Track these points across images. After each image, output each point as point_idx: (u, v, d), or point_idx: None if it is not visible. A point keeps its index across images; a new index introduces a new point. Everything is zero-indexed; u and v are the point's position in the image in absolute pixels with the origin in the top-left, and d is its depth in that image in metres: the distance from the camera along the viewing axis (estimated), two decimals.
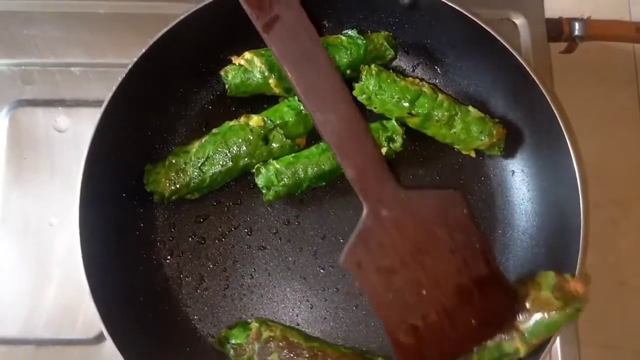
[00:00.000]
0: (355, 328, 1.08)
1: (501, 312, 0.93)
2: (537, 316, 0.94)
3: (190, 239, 1.11)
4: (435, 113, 1.09)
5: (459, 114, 1.10)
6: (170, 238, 1.11)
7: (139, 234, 1.10)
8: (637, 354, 1.22)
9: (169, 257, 1.11)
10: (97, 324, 0.96)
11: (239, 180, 1.13)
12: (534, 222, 1.12)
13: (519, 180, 1.14)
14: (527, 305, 0.95)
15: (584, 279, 0.97)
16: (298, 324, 1.09)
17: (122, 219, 1.08)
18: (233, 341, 1.04)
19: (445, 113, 1.09)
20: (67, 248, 1.12)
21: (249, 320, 1.07)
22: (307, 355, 1.02)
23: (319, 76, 0.83)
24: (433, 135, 1.13)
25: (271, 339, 1.03)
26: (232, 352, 1.04)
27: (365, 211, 0.83)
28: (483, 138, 1.09)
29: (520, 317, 0.94)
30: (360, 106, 1.12)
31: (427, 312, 0.86)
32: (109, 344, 0.95)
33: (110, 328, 0.95)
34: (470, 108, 1.11)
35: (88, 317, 1.10)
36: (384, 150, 1.09)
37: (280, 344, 1.03)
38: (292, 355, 1.02)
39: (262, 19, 0.81)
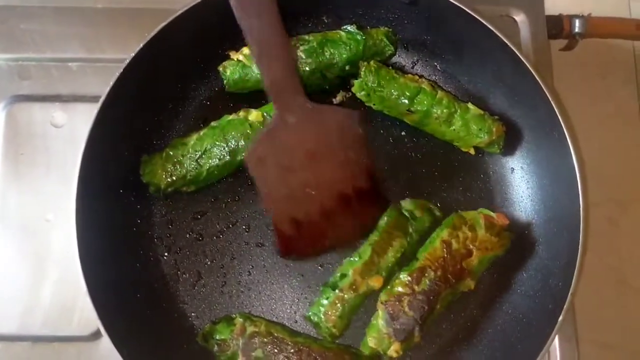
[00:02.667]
0: (353, 325, 1.07)
1: (372, 219, 1.07)
2: (482, 255, 1.04)
3: (187, 236, 1.11)
4: (435, 110, 1.09)
5: (459, 111, 1.09)
6: (168, 234, 1.11)
7: (136, 230, 1.09)
8: (636, 354, 1.21)
9: (166, 253, 1.10)
10: (93, 321, 0.95)
11: (237, 177, 1.12)
12: (533, 220, 1.11)
13: (518, 178, 1.14)
14: (471, 247, 1.03)
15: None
16: (296, 321, 1.09)
17: (119, 215, 1.08)
18: (217, 337, 1.03)
19: (445, 110, 1.09)
20: (64, 244, 1.12)
21: (233, 315, 1.06)
22: (292, 351, 1.02)
23: None
24: (432, 132, 1.13)
25: (256, 334, 1.02)
26: (216, 347, 1.03)
27: (275, 115, 0.95)
28: (482, 135, 1.09)
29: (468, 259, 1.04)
30: (359, 102, 1.12)
31: (310, 210, 1.00)
32: (105, 341, 0.94)
33: (106, 325, 0.94)
34: (470, 105, 1.10)
35: (85, 314, 1.10)
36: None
37: (265, 339, 1.02)
38: (276, 350, 1.02)
39: None
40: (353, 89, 1.11)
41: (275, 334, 1.03)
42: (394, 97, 1.09)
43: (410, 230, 1.06)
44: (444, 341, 1.09)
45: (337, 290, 1.02)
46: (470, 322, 1.10)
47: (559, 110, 1.02)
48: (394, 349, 0.99)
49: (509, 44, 1.04)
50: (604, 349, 1.20)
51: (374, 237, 1.06)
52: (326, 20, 1.17)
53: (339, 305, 1.02)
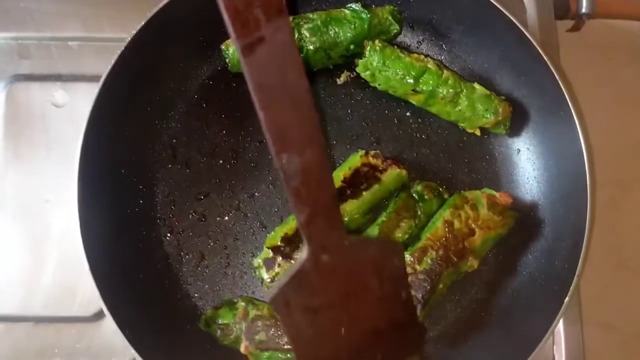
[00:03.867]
0: None
1: (407, 349, 0.94)
2: (485, 235, 1.03)
3: (190, 217, 1.10)
4: (440, 90, 1.08)
5: (465, 91, 1.08)
6: (171, 215, 1.10)
7: (139, 211, 1.08)
8: (637, 335, 1.22)
9: (169, 234, 1.09)
10: (95, 302, 0.95)
11: (240, 158, 1.12)
12: (539, 201, 1.11)
13: (524, 159, 1.13)
14: (473, 226, 1.03)
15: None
16: None
17: (122, 196, 1.07)
18: (220, 321, 1.03)
19: (450, 90, 1.07)
20: (64, 225, 1.12)
21: (235, 300, 1.06)
22: None
23: (295, 115, 0.71)
24: (438, 112, 1.12)
25: (258, 317, 1.02)
26: (218, 332, 1.03)
27: (306, 255, 0.78)
28: (488, 116, 1.08)
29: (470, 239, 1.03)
30: (363, 83, 1.11)
31: (338, 347, 0.87)
32: (107, 322, 0.94)
33: (109, 305, 0.94)
34: (476, 85, 1.09)
35: (86, 295, 1.09)
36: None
37: (268, 322, 1.02)
38: (279, 333, 1.01)
39: (244, 39, 0.65)
40: (357, 69, 1.10)
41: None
42: (399, 77, 1.07)
43: (419, 212, 1.06)
44: (449, 323, 1.09)
45: None
46: (475, 304, 1.09)
47: (567, 90, 1.01)
48: None
49: (516, 22, 1.03)
50: (606, 330, 1.20)
51: (382, 218, 1.05)
52: None
53: None
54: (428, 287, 0.99)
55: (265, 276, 1.00)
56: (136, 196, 1.09)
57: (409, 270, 1.00)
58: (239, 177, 1.11)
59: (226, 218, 1.10)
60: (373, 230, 1.04)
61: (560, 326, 1.12)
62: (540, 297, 1.04)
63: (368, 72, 1.09)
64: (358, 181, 1.03)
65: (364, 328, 0.87)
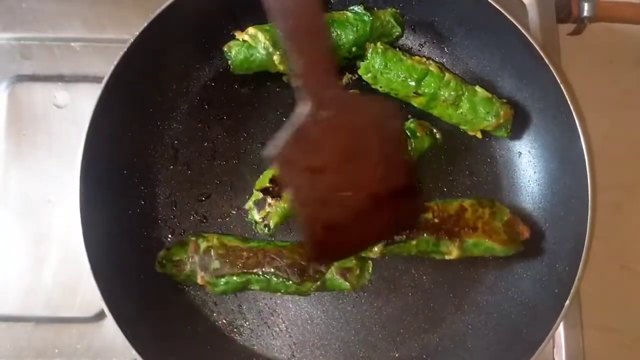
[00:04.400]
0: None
1: (407, 220, 0.98)
2: (481, 238, 1.05)
3: (192, 218, 1.10)
4: (442, 93, 1.08)
5: (466, 93, 1.08)
6: (172, 216, 1.10)
7: (140, 212, 1.09)
8: (638, 339, 1.22)
9: (170, 235, 1.10)
10: (96, 303, 0.96)
11: (242, 159, 1.12)
12: (540, 204, 1.11)
13: (525, 162, 1.13)
14: (479, 225, 1.05)
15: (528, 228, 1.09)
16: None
17: (123, 196, 1.07)
18: (173, 258, 1.04)
19: (452, 93, 1.08)
20: (66, 225, 1.12)
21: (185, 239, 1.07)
22: (246, 256, 1.03)
23: None
24: (439, 115, 1.12)
25: (209, 248, 1.03)
26: (174, 270, 1.04)
27: (306, 110, 0.77)
28: (490, 119, 1.08)
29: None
30: (365, 85, 1.11)
31: (343, 213, 0.88)
32: (108, 323, 0.95)
33: (111, 306, 0.94)
34: (478, 88, 1.09)
35: (87, 296, 1.09)
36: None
37: (220, 251, 1.03)
38: (232, 258, 1.03)
39: None
40: (359, 71, 1.10)
41: (229, 244, 1.04)
42: (400, 79, 1.07)
43: (409, 148, 1.07)
44: (449, 325, 1.09)
45: None
46: (475, 306, 1.10)
47: (568, 93, 1.01)
48: None
49: (518, 25, 1.03)
50: (607, 333, 1.20)
51: None
52: (332, 0, 1.15)
53: None
54: (403, 236, 1.03)
55: (257, 217, 1.02)
56: (137, 197, 1.09)
57: None
58: (240, 179, 1.12)
59: (227, 219, 1.10)
60: None
61: (560, 329, 1.12)
62: (541, 300, 1.04)
63: (370, 75, 1.09)
64: None
65: (368, 192, 0.87)
